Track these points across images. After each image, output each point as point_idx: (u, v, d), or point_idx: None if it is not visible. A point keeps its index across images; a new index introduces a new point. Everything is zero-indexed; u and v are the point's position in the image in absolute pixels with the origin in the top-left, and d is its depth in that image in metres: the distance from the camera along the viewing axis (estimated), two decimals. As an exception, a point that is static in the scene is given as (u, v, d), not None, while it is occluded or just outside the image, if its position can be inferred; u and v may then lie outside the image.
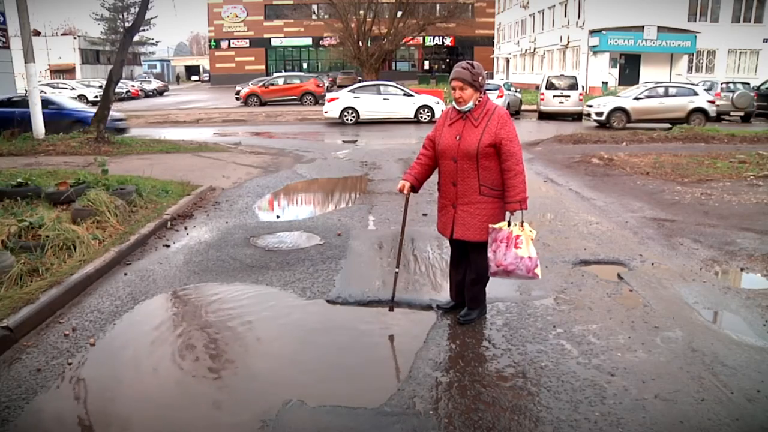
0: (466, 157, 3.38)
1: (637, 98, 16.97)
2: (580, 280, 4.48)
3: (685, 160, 10.00)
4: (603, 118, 16.89)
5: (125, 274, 4.69)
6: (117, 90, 16.81)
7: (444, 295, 4.08)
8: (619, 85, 30.85)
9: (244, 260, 5.05)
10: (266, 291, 4.38)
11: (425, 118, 18.15)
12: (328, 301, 4.14)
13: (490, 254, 3.39)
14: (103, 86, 14.61)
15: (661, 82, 20.65)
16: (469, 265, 3.62)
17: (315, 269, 4.79)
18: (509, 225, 3.35)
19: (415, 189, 3.74)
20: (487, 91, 17.88)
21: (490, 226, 3.38)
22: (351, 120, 18.20)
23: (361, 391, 3.04)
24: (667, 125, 16.89)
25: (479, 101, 3.40)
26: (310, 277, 4.60)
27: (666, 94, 17.05)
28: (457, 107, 3.46)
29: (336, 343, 3.53)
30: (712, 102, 16.90)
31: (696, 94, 16.99)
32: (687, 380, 3.04)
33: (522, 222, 3.35)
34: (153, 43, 65.19)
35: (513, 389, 2.98)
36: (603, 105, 17.30)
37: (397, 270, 3.93)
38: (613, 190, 7.95)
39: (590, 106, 17.79)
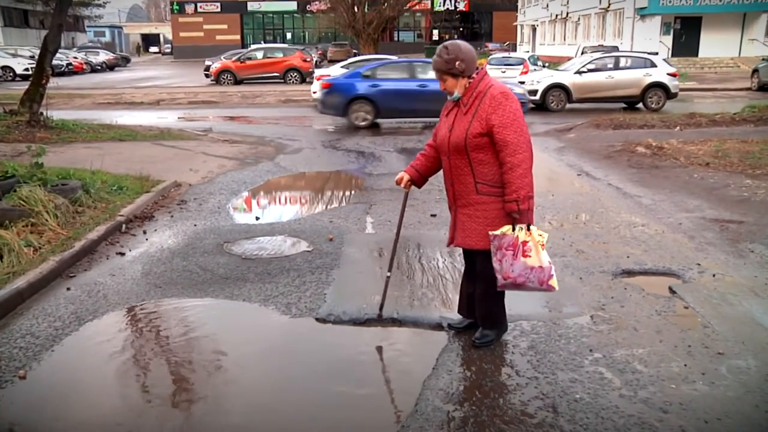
0: (456, 151, 3.43)
1: (579, 72, 16.85)
2: (623, 295, 4.49)
3: (758, 146, 9.94)
4: (537, 97, 16.72)
5: (68, 289, 4.70)
6: (54, 62, 16.60)
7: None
8: (673, 56, 30.75)
9: (216, 271, 5.06)
10: (243, 308, 4.39)
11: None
12: (317, 320, 4.15)
13: (495, 265, 3.42)
14: (36, 57, 14.57)
15: (609, 52, 20.42)
16: (477, 275, 3.63)
17: (302, 281, 4.80)
18: (513, 229, 3.35)
19: (416, 183, 3.82)
20: (509, 66, 17.48)
21: (491, 232, 3.39)
22: (345, 101, 18.20)
23: (358, 428, 3.04)
24: (621, 105, 16.94)
25: (469, 84, 3.42)
26: (296, 291, 4.61)
27: (616, 66, 16.95)
28: (448, 97, 3.55)
29: (327, 369, 3.53)
30: (674, 75, 16.80)
31: (653, 65, 16.83)
32: (767, 423, 3.01)
33: (528, 226, 3.36)
34: (99, 4, 64.56)
35: (541, 427, 2.98)
36: (537, 82, 17.12)
37: (388, 274, 4.00)
38: (664, 185, 7.97)
39: (522, 83, 17.48)
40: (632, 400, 3.17)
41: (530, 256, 3.31)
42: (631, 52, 20.33)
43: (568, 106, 16.81)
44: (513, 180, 3.28)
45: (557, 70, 18.24)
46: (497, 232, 3.37)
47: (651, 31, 31.70)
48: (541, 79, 17.25)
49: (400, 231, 4.06)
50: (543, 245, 3.37)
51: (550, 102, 16.80)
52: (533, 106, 16.97)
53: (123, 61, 51.07)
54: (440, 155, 3.62)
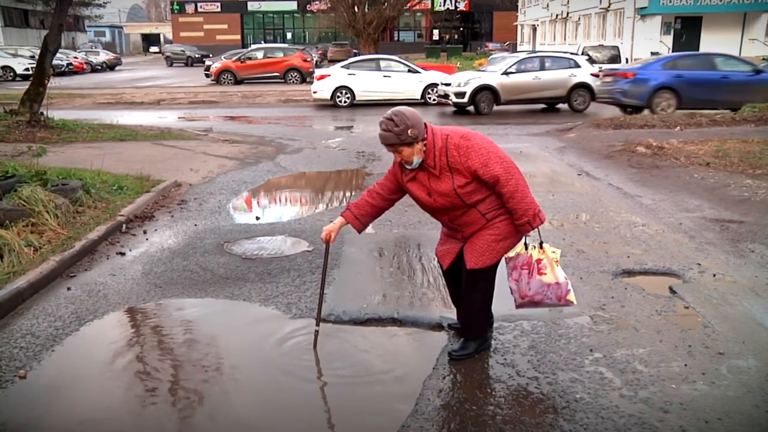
0: (451, 209, 3.40)
1: (506, 73, 16.38)
2: (623, 294, 4.49)
3: (759, 146, 9.94)
4: (465, 99, 16.06)
5: (68, 289, 4.70)
6: (55, 62, 16.60)
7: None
8: (674, 56, 30.72)
9: (216, 271, 5.07)
10: (243, 307, 4.40)
11: (434, 99, 18.18)
12: (317, 320, 4.15)
13: (512, 285, 3.47)
14: (37, 57, 14.60)
15: (535, 52, 19.98)
16: (469, 287, 3.55)
17: (302, 281, 4.80)
18: (526, 248, 3.40)
19: (355, 230, 3.67)
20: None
21: (506, 256, 3.43)
22: (345, 102, 18.25)
23: (358, 427, 3.05)
24: (542, 106, 16.91)
25: (425, 148, 3.31)
26: (297, 291, 4.61)
27: (542, 67, 16.55)
28: (407, 166, 3.42)
29: (327, 370, 3.54)
30: (597, 75, 16.54)
31: (577, 65, 16.66)
32: (767, 423, 3.01)
33: (541, 243, 3.40)
34: (100, 5, 64.62)
35: (541, 427, 2.99)
36: (465, 83, 16.29)
37: (317, 329, 3.78)
38: (664, 185, 7.97)
39: (447, 84, 16.87)
40: (632, 400, 3.17)
41: (545, 274, 3.36)
42: (555, 52, 19.99)
43: (496, 108, 16.37)
44: (517, 206, 3.28)
45: (484, 70, 17.72)
46: (511, 254, 3.42)
47: (651, 30, 31.69)
48: (468, 81, 16.34)
49: (324, 286, 3.85)
50: (557, 261, 3.39)
51: (480, 105, 16.09)
52: (457, 109, 16.64)
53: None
54: (431, 214, 3.56)
